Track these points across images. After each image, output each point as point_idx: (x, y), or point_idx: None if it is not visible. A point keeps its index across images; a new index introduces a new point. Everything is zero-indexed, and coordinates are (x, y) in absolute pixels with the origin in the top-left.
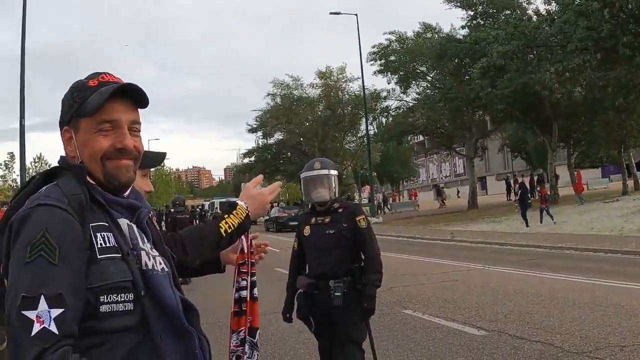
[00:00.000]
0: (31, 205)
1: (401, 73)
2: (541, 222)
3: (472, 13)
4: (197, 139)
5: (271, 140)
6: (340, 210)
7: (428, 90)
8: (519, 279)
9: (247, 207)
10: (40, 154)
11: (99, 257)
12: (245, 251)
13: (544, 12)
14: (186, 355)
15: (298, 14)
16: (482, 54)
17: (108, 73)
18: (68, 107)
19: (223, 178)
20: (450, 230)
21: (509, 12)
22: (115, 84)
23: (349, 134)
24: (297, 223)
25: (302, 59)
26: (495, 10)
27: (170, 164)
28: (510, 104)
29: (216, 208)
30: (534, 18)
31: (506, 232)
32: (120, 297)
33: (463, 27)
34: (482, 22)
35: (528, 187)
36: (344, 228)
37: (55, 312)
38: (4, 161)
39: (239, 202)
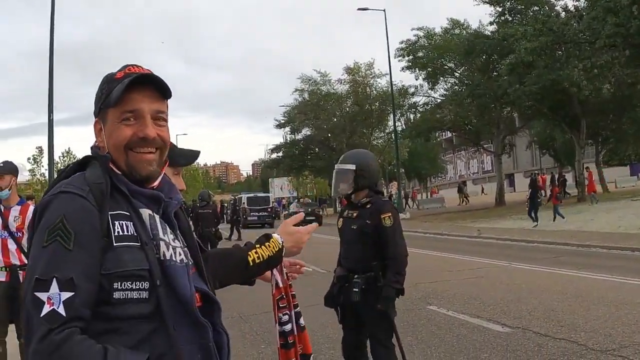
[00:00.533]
0: (54, 192)
1: (429, 69)
2: (554, 219)
3: (500, 9)
4: (225, 134)
5: (299, 136)
6: (368, 206)
7: (456, 87)
8: (545, 277)
9: (282, 242)
10: (69, 148)
11: (115, 244)
12: (281, 285)
13: (572, 9)
14: (199, 347)
15: (326, 10)
16: (510, 51)
17: (136, 65)
18: (97, 100)
19: (251, 173)
20: (477, 227)
21: (537, 8)
22: (134, 74)
23: (377, 130)
24: (313, 218)
25: (330, 54)
26: (523, 7)
27: (198, 159)
28: (538, 100)
29: (243, 203)
30: (562, 14)
31: (533, 230)
32: (135, 285)
33: (491, 23)
34: (510, 19)
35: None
36: (367, 225)
37: (65, 295)
38: (33, 155)
39: (274, 235)
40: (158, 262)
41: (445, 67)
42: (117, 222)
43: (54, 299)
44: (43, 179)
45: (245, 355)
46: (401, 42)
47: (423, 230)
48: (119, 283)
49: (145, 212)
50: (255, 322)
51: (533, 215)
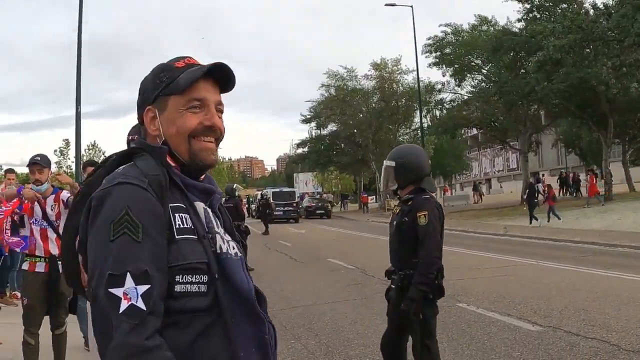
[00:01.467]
0: (111, 183)
1: (456, 66)
2: (548, 220)
3: (528, 6)
4: (249, 129)
5: (325, 131)
6: (409, 203)
7: (483, 84)
8: (573, 275)
9: None
10: (94, 141)
11: (177, 237)
12: None
13: (601, 6)
14: (257, 340)
15: (353, 5)
16: (538, 48)
17: (191, 57)
18: (153, 87)
19: (275, 168)
20: (503, 224)
21: (565, 5)
22: (207, 65)
23: (403, 126)
24: (323, 212)
25: (356, 50)
26: (551, 4)
27: (223, 153)
28: (566, 98)
29: (269, 197)
30: (591, 12)
31: (559, 228)
32: (195, 278)
33: (519, 20)
34: (538, 16)
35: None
36: (404, 222)
37: (142, 288)
38: (59, 148)
39: None
40: (214, 256)
41: (473, 63)
42: (177, 215)
43: (131, 293)
44: (70, 170)
45: None
46: (428, 38)
47: (449, 227)
48: (181, 276)
49: (200, 205)
50: (283, 317)
51: (532, 215)
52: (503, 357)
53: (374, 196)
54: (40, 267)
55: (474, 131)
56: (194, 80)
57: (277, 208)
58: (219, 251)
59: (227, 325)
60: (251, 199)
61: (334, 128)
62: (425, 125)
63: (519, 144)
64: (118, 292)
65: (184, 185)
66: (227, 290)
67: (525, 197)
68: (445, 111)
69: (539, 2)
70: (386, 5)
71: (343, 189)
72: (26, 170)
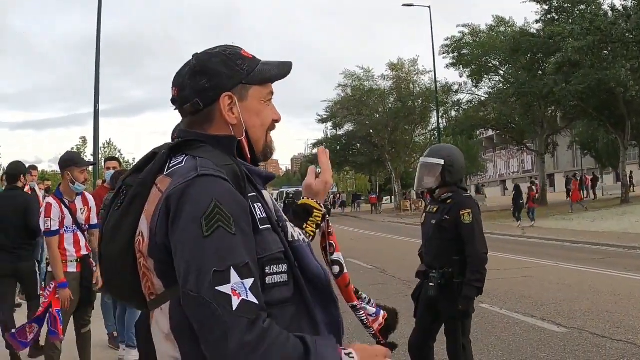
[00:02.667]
0: (188, 177)
1: (473, 67)
2: (533, 220)
3: (546, 7)
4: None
5: (341, 132)
6: (448, 201)
7: (500, 85)
8: (593, 277)
9: (320, 205)
10: (110, 139)
11: (260, 227)
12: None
13: (620, 8)
14: (333, 324)
15: (370, 5)
16: (556, 49)
17: (239, 46)
18: (229, 73)
19: (290, 168)
20: (520, 226)
21: (584, 7)
22: (289, 64)
23: (419, 127)
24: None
25: (373, 50)
26: (570, 5)
27: None
28: (583, 100)
29: (290, 195)
30: (610, 13)
31: (577, 230)
32: (279, 268)
33: (537, 22)
34: (556, 17)
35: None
36: (445, 220)
37: (248, 282)
38: (76, 145)
39: (311, 204)
40: (288, 243)
41: (490, 64)
42: (255, 204)
43: (239, 289)
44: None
45: None
46: (446, 39)
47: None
48: (269, 267)
49: (266, 193)
50: None
51: (517, 215)
52: (530, 358)
53: (389, 197)
54: (72, 267)
55: (490, 132)
56: (282, 77)
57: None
58: (290, 239)
59: (311, 313)
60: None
61: (350, 128)
62: (441, 126)
63: (536, 146)
64: (226, 289)
65: (250, 173)
66: (303, 277)
67: (512, 200)
68: (462, 112)
69: (557, 3)
70: (404, 5)
71: (358, 189)
72: (45, 167)
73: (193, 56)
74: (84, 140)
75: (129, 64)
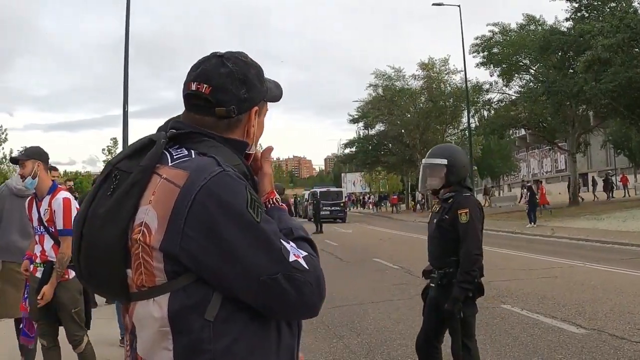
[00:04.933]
0: (214, 172)
1: (504, 65)
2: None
3: (576, 5)
4: (296, 128)
5: (372, 131)
6: (449, 200)
7: (531, 84)
8: (620, 278)
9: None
10: None
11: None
12: None
13: None
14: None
15: (399, 4)
16: (586, 47)
17: None
18: (261, 89)
19: (323, 168)
20: (551, 226)
21: (614, 4)
22: (279, 87)
23: (451, 127)
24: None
25: (403, 50)
26: (600, 3)
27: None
28: (614, 98)
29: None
30: None
31: (608, 230)
32: None
33: (567, 20)
34: (586, 15)
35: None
36: (444, 219)
37: (290, 244)
38: (107, 146)
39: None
40: None
41: (521, 63)
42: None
43: (294, 251)
44: None
45: (316, 350)
46: (476, 38)
47: (496, 228)
48: None
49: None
50: (326, 316)
51: (532, 216)
52: (546, 359)
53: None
54: (39, 273)
55: (522, 132)
56: (278, 96)
57: (324, 207)
58: None
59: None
60: (298, 199)
61: (382, 128)
62: (473, 125)
63: (567, 145)
64: (292, 257)
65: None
66: None
67: (526, 200)
68: (493, 111)
69: (587, 1)
70: (433, 4)
71: (390, 189)
72: (73, 168)
73: (225, 57)
74: (115, 141)
75: (160, 65)
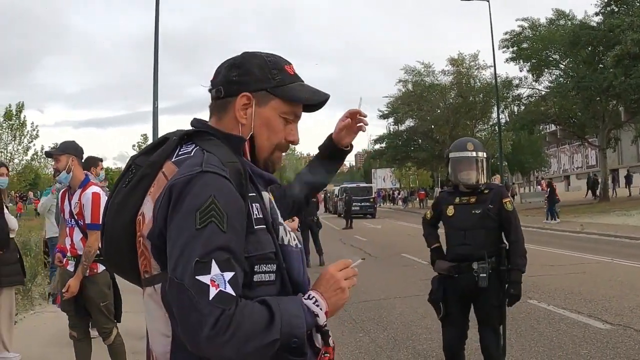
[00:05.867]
0: (193, 170)
1: (533, 61)
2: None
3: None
4: (327, 124)
5: (402, 127)
6: (486, 191)
7: (561, 79)
8: None
9: None
10: None
11: (255, 227)
12: None
13: None
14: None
15: (428, 0)
16: (616, 42)
17: (291, 64)
18: (260, 77)
19: (354, 164)
20: (580, 222)
21: None
22: (326, 96)
23: (480, 122)
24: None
25: (433, 46)
26: None
27: (301, 148)
28: None
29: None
30: None
31: (637, 226)
32: (268, 268)
33: (597, 14)
34: (616, 9)
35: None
36: (490, 209)
37: (228, 275)
38: (137, 142)
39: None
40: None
41: (550, 58)
42: (253, 204)
43: (218, 280)
44: None
45: (343, 344)
46: (505, 33)
47: (525, 223)
48: (259, 265)
49: (266, 196)
50: (354, 310)
51: (551, 213)
52: (570, 354)
53: None
54: (71, 267)
55: (552, 127)
56: (311, 102)
57: (354, 203)
58: (280, 242)
59: None
60: (328, 194)
61: (411, 124)
62: (502, 121)
63: (597, 141)
64: (205, 279)
65: (253, 173)
66: (287, 281)
67: (545, 197)
68: (522, 107)
69: None
70: (463, 0)
71: (421, 185)
72: (104, 164)
73: (242, 53)
74: (145, 137)
75: (190, 62)
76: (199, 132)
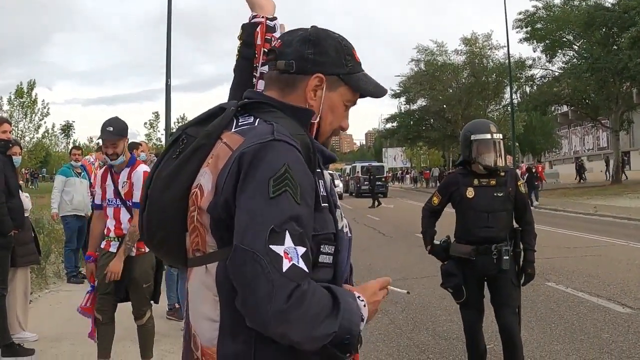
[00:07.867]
0: (264, 139)
1: (547, 41)
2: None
3: None
4: None
5: (414, 106)
6: (502, 173)
7: (574, 60)
8: None
9: None
10: (184, 114)
11: (322, 204)
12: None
13: None
14: None
15: None
16: (631, 23)
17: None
18: (337, 62)
19: (364, 143)
20: (593, 204)
21: None
22: (385, 91)
23: (493, 103)
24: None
25: (445, 25)
26: None
27: None
28: None
29: (357, 172)
30: None
31: None
32: (329, 249)
33: None
34: None
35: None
36: (511, 191)
37: (301, 250)
38: (149, 120)
39: None
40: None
41: (564, 39)
42: (320, 181)
43: (291, 253)
44: (159, 143)
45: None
46: (519, 13)
47: (538, 205)
48: (324, 246)
49: (327, 174)
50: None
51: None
52: (592, 338)
53: None
54: (114, 248)
55: (564, 108)
56: (374, 96)
57: (365, 182)
58: (338, 227)
59: None
60: (339, 174)
61: (423, 103)
62: (515, 101)
63: (610, 122)
64: (279, 250)
65: (316, 149)
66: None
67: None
68: (535, 87)
69: None
70: None
71: (432, 164)
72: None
73: (311, 27)
74: (157, 115)
75: (202, 40)
76: (258, 103)
